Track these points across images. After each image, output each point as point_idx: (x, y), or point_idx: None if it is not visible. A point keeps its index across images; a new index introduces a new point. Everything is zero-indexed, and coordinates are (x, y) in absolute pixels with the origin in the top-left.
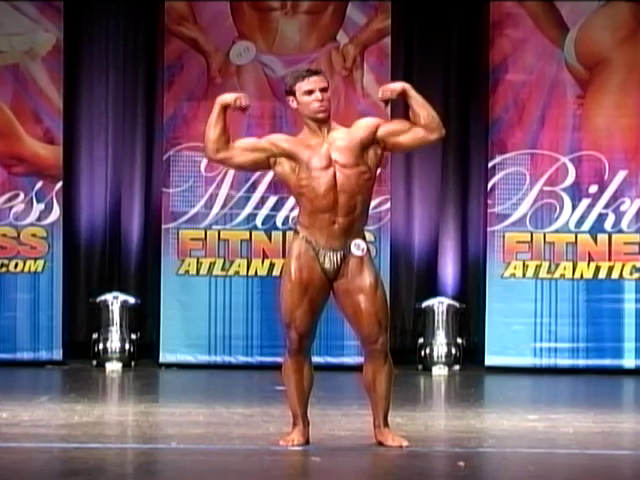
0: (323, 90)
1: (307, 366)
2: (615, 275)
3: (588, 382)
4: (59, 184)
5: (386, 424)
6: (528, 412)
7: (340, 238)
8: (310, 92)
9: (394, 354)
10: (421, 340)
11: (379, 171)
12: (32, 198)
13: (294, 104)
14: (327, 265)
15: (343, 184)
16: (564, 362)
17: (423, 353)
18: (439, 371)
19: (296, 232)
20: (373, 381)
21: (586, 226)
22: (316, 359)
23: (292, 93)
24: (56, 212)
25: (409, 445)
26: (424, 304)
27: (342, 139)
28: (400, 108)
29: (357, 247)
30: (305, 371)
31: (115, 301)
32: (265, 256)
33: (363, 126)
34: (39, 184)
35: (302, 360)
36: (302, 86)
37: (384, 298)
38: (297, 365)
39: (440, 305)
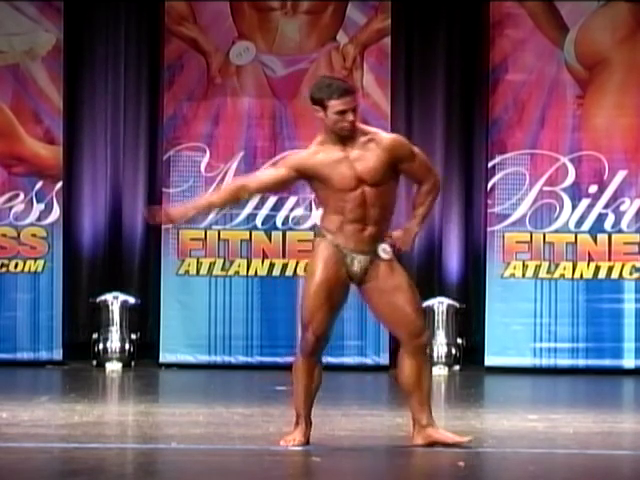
0: (354, 110)
1: (318, 368)
2: (615, 275)
3: (588, 382)
4: (59, 184)
5: (434, 422)
6: (528, 412)
7: (370, 244)
8: (343, 112)
9: (394, 354)
10: None
11: None
12: (32, 198)
13: (320, 114)
14: (356, 268)
15: (373, 200)
16: (564, 362)
17: None
18: (439, 371)
19: (322, 235)
20: (418, 378)
21: (586, 226)
22: None
23: (322, 106)
24: (56, 212)
25: (471, 440)
26: (424, 304)
27: (368, 159)
28: (402, 105)
29: (384, 251)
30: (315, 373)
31: (115, 301)
32: (265, 256)
33: (389, 149)
34: (39, 184)
35: (314, 362)
36: (335, 105)
37: (419, 296)
38: (309, 366)
39: (440, 305)
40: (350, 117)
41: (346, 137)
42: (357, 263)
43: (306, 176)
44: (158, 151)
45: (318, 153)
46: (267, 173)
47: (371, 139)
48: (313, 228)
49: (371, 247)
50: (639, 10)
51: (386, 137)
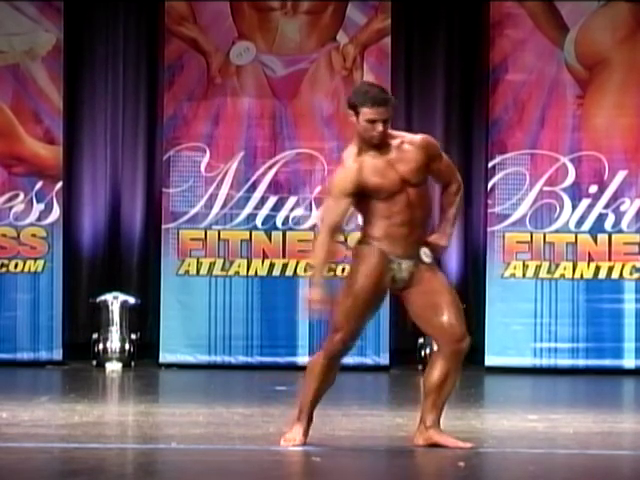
0: (385, 121)
1: (335, 369)
2: (615, 275)
3: (588, 382)
4: (59, 184)
5: (439, 426)
6: (528, 412)
7: (415, 247)
8: (372, 121)
9: (394, 354)
10: (421, 340)
11: None
12: (32, 198)
13: (352, 119)
14: (404, 274)
15: (416, 201)
16: (564, 362)
17: (423, 353)
18: None
19: (366, 242)
20: (443, 383)
21: (586, 226)
22: None
23: (355, 111)
24: (56, 212)
25: (472, 447)
26: None
27: (407, 159)
28: (401, 105)
29: (426, 255)
30: (332, 374)
31: (115, 301)
32: (265, 256)
33: (424, 148)
34: (39, 184)
35: (334, 364)
36: (366, 113)
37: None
38: (328, 367)
39: None
40: (379, 128)
41: (378, 144)
42: (404, 269)
43: (359, 192)
44: (158, 151)
45: (362, 167)
46: (335, 210)
47: (402, 141)
48: (313, 228)
49: (415, 251)
50: (639, 10)
51: (417, 137)
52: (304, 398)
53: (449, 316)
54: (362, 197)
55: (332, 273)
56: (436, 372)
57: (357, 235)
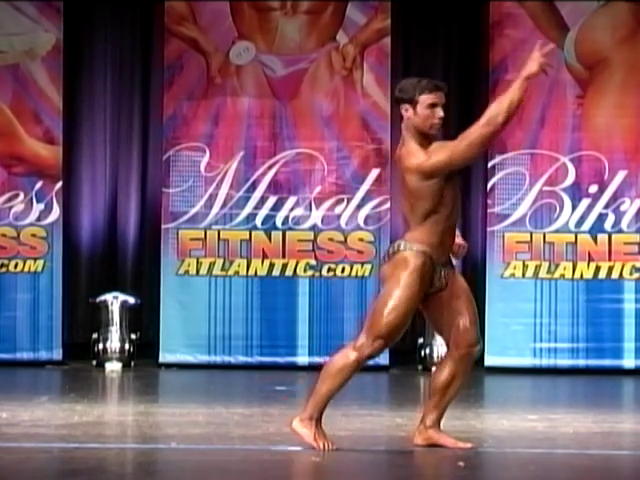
0: (443, 106)
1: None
2: (615, 275)
3: (588, 382)
4: (59, 184)
5: (439, 426)
6: (528, 412)
7: (450, 252)
8: (433, 106)
9: (394, 354)
10: (421, 340)
11: (379, 171)
12: (32, 198)
13: (408, 113)
14: (443, 282)
15: (459, 198)
16: (564, 362)
17: (423, 353)
18: None
19: (417, 250)
20: (450, 383)
21: (586, 226)
22: (316, 359)
23: (411, 102)
24: (56, 212)
25: (472, 447)
26: None
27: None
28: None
29: (454, 258)
30: (355, 374)
31: (115, 301)
32: (265, 256)
33: None
34: (39, 184)
35: (363, 365)
36: (427, 98)
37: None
38: (357, 368)
39: None
40: (440, 113)
41: (431, 138)
42: (443, 276)
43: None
44: (158, 151)
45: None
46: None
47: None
48: (313, 228)
49: (449, 256)
50: (639, 10)
51: None
52: (324, 397)
53: (465, 320)
54: (438, 191)
55: (332, 273)
56: (443, 374)
57: (403, 242)
